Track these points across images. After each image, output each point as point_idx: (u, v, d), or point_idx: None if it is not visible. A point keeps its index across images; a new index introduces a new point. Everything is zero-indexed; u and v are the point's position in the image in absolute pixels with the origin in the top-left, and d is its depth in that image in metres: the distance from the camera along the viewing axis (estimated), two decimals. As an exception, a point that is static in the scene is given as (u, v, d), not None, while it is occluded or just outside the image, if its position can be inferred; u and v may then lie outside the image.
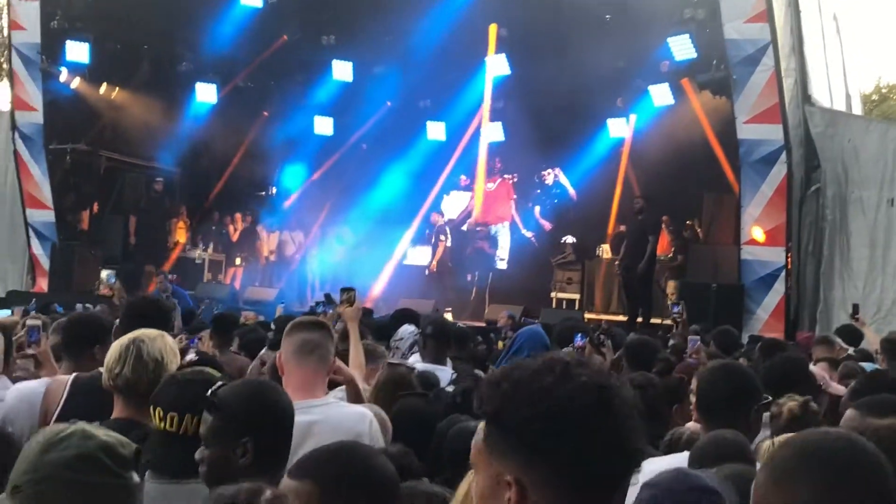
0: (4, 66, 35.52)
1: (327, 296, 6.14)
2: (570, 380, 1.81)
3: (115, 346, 4.02)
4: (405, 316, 8.52)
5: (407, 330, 7.57)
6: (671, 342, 8.88)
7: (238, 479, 2.69)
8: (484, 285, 20.54)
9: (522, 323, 13.06)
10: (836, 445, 1.94)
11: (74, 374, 4.66)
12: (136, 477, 2.67)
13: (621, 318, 17.05)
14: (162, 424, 3.36)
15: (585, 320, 15.23)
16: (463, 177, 22.68)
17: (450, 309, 18.36)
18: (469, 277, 21.02)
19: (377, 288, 20.69)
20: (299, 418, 3.53)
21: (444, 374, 6.33)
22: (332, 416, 4.07)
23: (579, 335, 7.54)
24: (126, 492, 2.63)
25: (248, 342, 8.20)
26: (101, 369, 4.55)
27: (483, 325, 15.23)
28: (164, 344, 4.03)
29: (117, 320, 5.06)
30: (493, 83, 20.63)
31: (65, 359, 5.35)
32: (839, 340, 9.80)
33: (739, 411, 4.06)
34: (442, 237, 20.95)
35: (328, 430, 3.85)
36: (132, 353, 3.92)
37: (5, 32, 21.68)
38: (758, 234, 15.34)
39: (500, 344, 11.06)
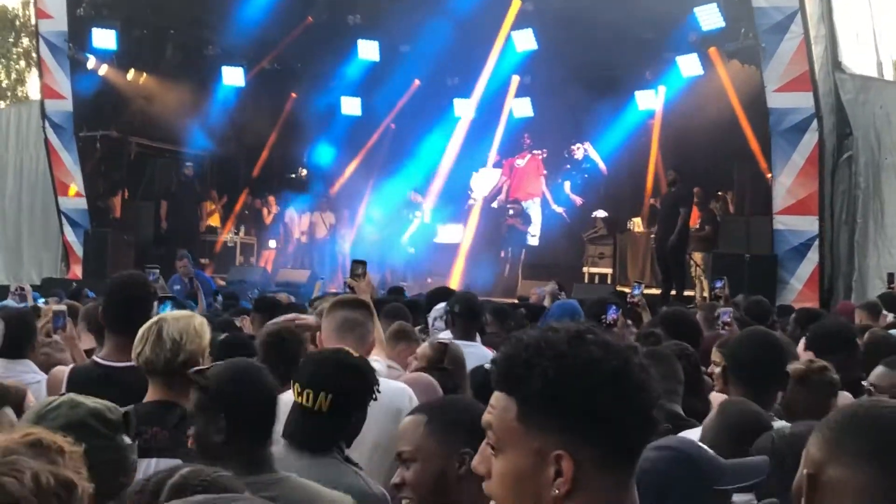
0: (33, 55, 35.81)
1: (354, 262, 6.06)
2: (593, 346, 1.81)
3: (143, 327, 4.05)
4: (441, 294, 8.53)
5: (439, 308, 7.58)
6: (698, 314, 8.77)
7: (216, 455, 2.91)
8: (517, 262, 20.52)
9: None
10: (886, 411, 1.91)
11: (71, 366, 4.71)
12: (126, 439, 2.81)
13: (655, 291, 16.95)
14: (299, 399, 3.50)
15: (619, 294, 15.17)
16: (492, 153, 22.64)
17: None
18: (502, 254, 21.02)
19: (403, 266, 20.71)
20: None
21: (472, 350, 6.28)
22: None
23: (612, 307, 7.46)
24: (118, 453, 2.76)
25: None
26: (96, 357, 4.61)
27: (516, 301, 15.16)
28: (187, 325, 4.02)
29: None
30: (520, 58, 20.49)
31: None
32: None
33: (768, 379, 4.06)
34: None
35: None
36: (153, 332, 3.95)
37: (33, 21, 21.74)
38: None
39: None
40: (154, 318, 4.10)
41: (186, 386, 3.53)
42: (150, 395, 3.98)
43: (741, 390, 4.06)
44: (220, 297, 13.44)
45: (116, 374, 4.44)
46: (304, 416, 3.47)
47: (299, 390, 3.48)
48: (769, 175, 15.88)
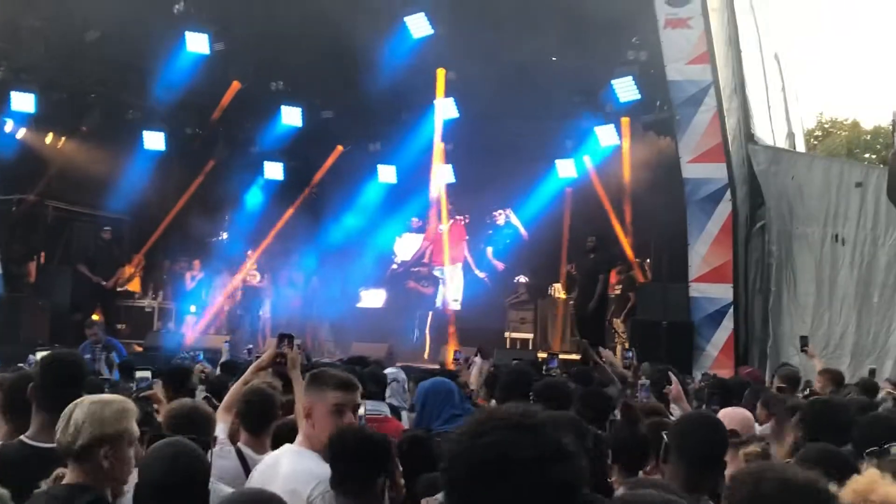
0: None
1: (280, 335, 6.11)
2: None
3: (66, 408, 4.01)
4: (356, 362, 8.52)
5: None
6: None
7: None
8: (423, 325, 20.60)
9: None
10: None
11: (1, 444, 4.62)
12: None
13: (575, 356, 17.10)
14: None
15: (539, 359, 15.27)
16: (415, 219, 22.79)
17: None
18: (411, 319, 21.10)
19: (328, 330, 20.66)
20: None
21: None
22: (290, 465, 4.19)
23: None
24: None
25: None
26: (23, 437, 4.52)
27: (437, 367, 15.16)
28: (99, 409, 3.94)
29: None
30: (442, 126, 20.69)
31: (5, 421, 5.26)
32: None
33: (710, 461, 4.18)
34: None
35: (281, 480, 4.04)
36: (66, 414, 3.92)
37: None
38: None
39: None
40: (77, 400, 4.04)
41: (100, 470, 3.54)
42: (67, 478, 3.92)
43: (680, 469, 4.14)
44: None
45: (46, 454, 4.35)
46: None
47: None
48: (634, 259, 16.22)
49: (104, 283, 19.30)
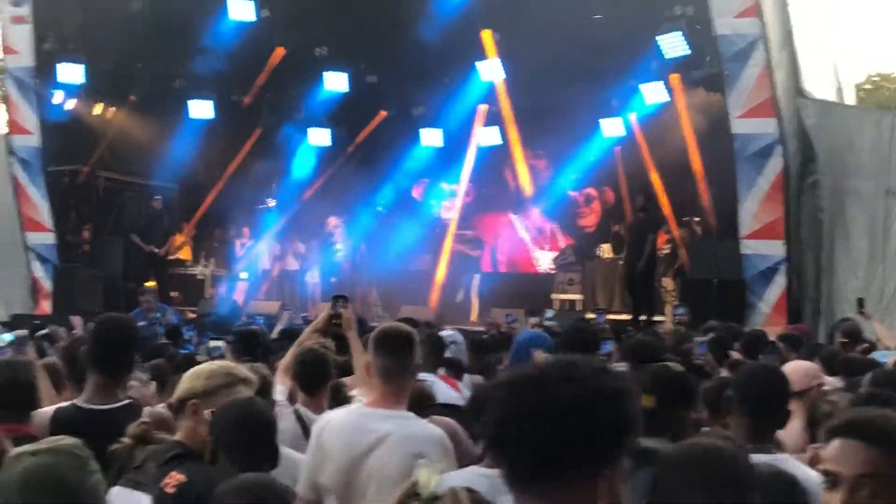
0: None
1: (335, 297, 6.20)
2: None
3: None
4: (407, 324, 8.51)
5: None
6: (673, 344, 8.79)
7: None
8: (469, 288, 20.64)
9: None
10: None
11: (56, 407, 4.68)
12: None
13: (625, 317, 17.08)
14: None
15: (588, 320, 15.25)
16: (458, 184, 22.84)
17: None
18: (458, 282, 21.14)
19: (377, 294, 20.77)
20: (375, 425, 4.09)
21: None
22: (405, 428, 4.16)
23: (606, 343, 7.44)
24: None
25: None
26: (76, 401, 4.60)
27: (483, 329, 15.19)
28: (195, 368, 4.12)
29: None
30: (486, 88, 20.63)
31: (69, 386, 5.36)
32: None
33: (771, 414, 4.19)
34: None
35: (397, 444, 4.08)
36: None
37: (-1, 56, 21.72)
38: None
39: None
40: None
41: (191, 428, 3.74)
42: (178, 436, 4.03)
43: (743, 422, 4.16)
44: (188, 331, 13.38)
45: (100, 416, 4.48)
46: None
47: None
48: (708, 206, 16.06)
49: (156, 250, 19.50)
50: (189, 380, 3.95)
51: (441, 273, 21.60)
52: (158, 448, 3.79)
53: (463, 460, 4.34)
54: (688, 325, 10.86)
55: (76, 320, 10.87)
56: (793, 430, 4.58)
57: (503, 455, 1.88)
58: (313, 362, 5.35)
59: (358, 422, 4.18)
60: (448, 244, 22.18)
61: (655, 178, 19.15)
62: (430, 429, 4.30)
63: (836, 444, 2.32)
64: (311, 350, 5.46)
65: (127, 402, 4.65)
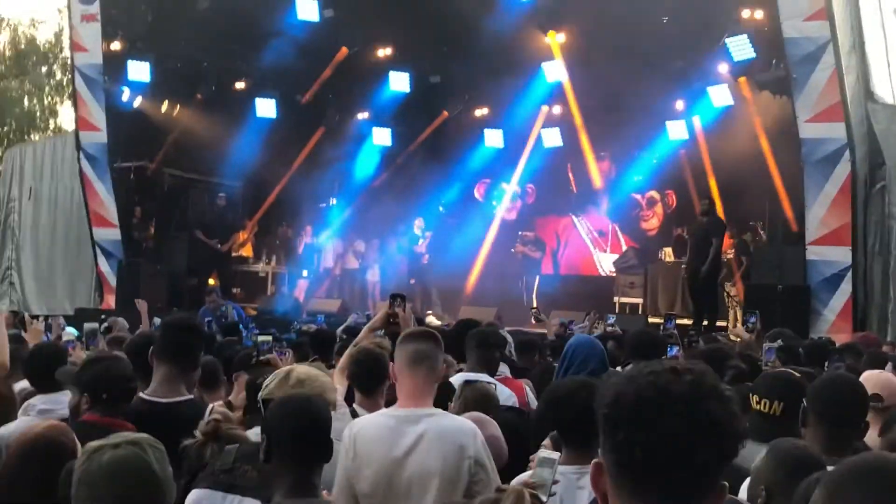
0: (66, 87, 36.29)
1: (392, 296, 6.22)
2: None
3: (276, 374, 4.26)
4: (465, 325, 8.43)
5: None
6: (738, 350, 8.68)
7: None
8: (530, 290, 20.56)
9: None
10: (890, 464, 1.94)
11: None
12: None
13: (686, 321, 16.91)
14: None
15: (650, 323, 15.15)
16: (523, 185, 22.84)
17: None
18: (520, 283, 21.07)
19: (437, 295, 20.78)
20: (409, 427, 4.16)
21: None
22: (439, 426, 4.25)
23: (674, 348, 7.37)
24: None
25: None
26: (144, 395, 4.74)
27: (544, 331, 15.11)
28: (316, 373, 4.26)
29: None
30: (549, 89, 20.56)
31: None
32: None
33: (848, 423, 4.17)
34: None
35: (434, 441, 4.17)
36: (281, 374, 4.18)
37: (66, 54, 22.08)
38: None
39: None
40: (287, 368, 4.28)
41: None
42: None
43: (820, 431, 4.11)
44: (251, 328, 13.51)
45: (161, 409, 4.64)
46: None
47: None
48: (789, 209, 15.82)
49: (220, 247, 19.68)
50: (279, 384, 4.07)
51: (477, 267, 21.59)
52: (246, 450, 3.81)
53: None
54: (759, 333, 10.70)
55: (142, 305, 10.97)
56: (870, 440, 4.50)
57: (651, 473, 1.84)
58: (368, 362, 5.36)
59: (391, 425, 4.25)
60: (488, 241, 22.19)
61: (720, 182, 18.94)
62: (461, 422, 4.39)
63: None
64: (367, 350, 5.47)
65: (189, 397, 4.76)
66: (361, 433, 4.25)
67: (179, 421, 4.33)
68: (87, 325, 9.22)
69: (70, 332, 10.60)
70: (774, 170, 17.25)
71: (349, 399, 5.39)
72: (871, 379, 5.19)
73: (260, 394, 4.12)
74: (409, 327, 5.83)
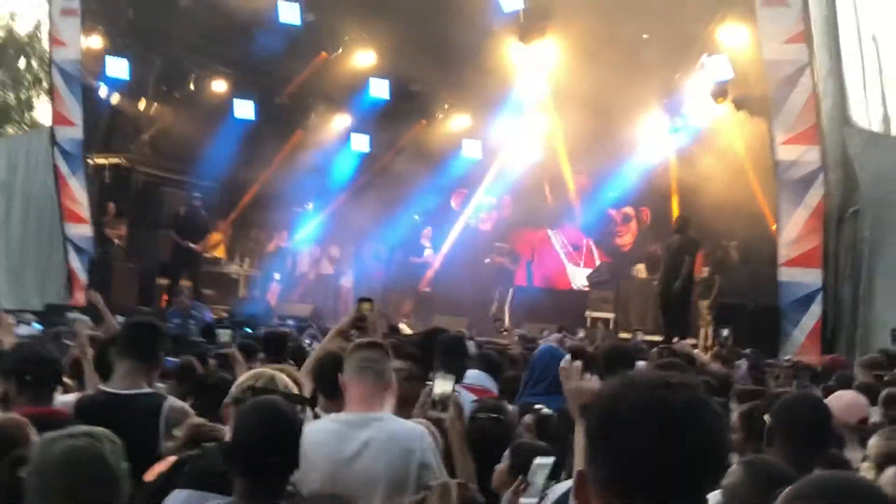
0: (42, 80, 36.04)
1: (360, 299, 6.18)
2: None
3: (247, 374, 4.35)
4: (432, 333, 8.37)
5: None
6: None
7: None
8: (503, 302, 20.54)
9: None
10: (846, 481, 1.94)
11: (79, 396, 4.99)
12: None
13: (657, 337, 16.92)
14: None
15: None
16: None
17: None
18: (492, 295, 21.02)
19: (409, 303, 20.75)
20: (356, 433, 4.21)
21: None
22: (386, 430, 4.30)
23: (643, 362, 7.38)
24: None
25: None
26: (104, 387, 4.75)
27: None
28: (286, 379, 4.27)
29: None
30: (529, 101, 20.57)
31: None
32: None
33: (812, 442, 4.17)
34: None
35: (381, 445, 4.23)
36: (265, 374, 4.21)
37: (45, 47, 21.95)
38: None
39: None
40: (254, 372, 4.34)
41: None
42: None
43: (783, 451, 4.09)
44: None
45: (122, 401, 4.71)
46: None
47: None
48: (773, 226, 15.89)
49: (193, 247, 19.52)
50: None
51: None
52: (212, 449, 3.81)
53: None
54: (730, 349, 10.76)
55: (95, 296, 10.76)
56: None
57: (646, 485, 1.83)
58: (333, 365, 5.33)
59: (338, 430, 4.33)
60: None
61: (695, 200, 18.98)
62: (410, 426, 4.43)
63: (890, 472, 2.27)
64: (331, 353, 5.44)
65: (150, 390, 4.78)
66: (308, 437, 4.20)
67: (138, 412, 4.48)
68: (72, 315, 9.21)
69: (36, 328, 10.51)
70: (755, 189, 17.30)
71: (312, 403, 5.36)
72: (838, 398, 5.23)
73: (231, 392, 4.12)
74: (377, 331, 5.83)
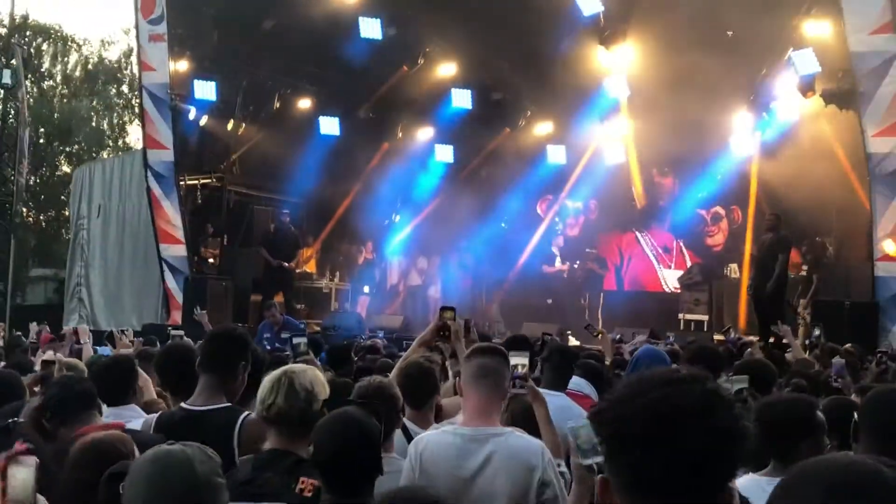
0: (134, 105, 36.95)
1: (442, 308, 6.19)
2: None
3: (267, 380, 4.21)
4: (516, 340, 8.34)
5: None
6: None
7: None
8: (595, 307, 20.41)
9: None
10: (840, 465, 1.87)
11: (159, 413, 4.97)
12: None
13: (753, 338, 16.65)
14: None
15: (715, 342, 14.94)
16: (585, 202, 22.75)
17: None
18: (582, 301, 20.92)
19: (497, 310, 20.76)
20: (477, 447, 4.16)
21: (557, 400, 6.22)
22: (507, 446, 4.23)
23: None
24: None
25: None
26: (184, 404, 4.77)
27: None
28: (314, 375, 4.22)
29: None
30: (612, 105, 20.44)
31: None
32: None
33: None
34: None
35: (503, 462, 4.16)
36: (284, 384, 4.10)
37: (135, 72, 22.47)
38: (890, 247, 14.84)
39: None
40: (279, 371, 4.25)
41: (305, 435, 3.78)
42: (271, 444, 4.11)
43: (874, 449, 3.97)
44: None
45: (196, 417, 4.73)
46: None
47: None
48: (870, 220, 15.53)
49: (285, 264, 19.74)
50: (323, 390, 4.14)
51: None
52: (262, 457, 3.86)
53: None
54: (823, 347, 10.55)
55: (202, 315, 10.91)
56: None
57: (667, 489, 1.83)
58: (418, 376, 5.35)
59: (458, 444, 4.24)
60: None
61: (787, 198, 18.65)
62: (529, 440, 4.34)
63: None
64: (416, 363, 5.46)
65: (225, 405, 4.80)
66: (427, 450, 4.25)
67: (211, 427, 4.44)
68: (174, 332, 9.46)
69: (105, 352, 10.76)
70: (851, 184, 16.92)
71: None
72: None
73: (265, 410, 4.12)
74: (459, 340, 5.84)
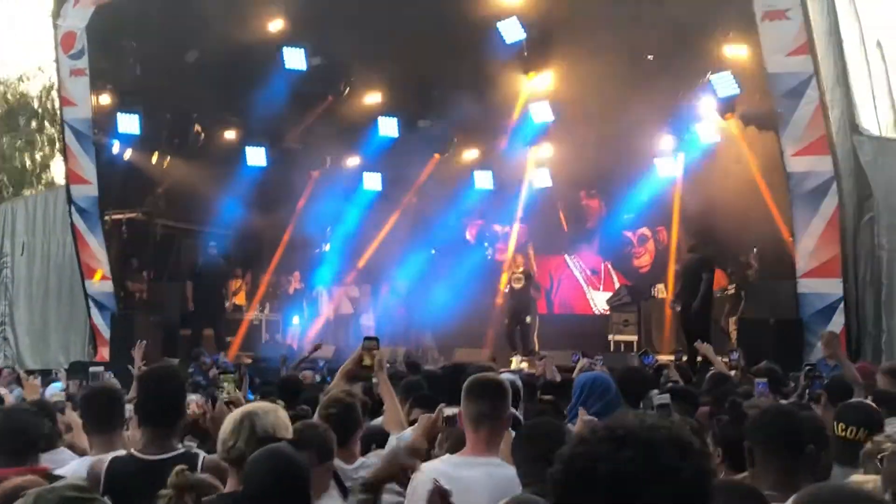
0: (57, 141, 36.37)
1: (365, 338, 6.22)
2: None
3: (229, 420, 4.19)
4: (454, 369, 8.33)
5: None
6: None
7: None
8: (532, 329, 20.47)
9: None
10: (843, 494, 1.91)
11: (112, 456, 4.79)
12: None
13: (669, 359, 16.84)
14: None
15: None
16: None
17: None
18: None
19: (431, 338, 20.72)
20: (463, 472, 4.20)
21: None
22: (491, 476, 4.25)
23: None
24: None
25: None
26: (133, 450, 4.70)
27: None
28: (275, 418, 4.18)
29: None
30: (537, 129, 20.61)
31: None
32: None
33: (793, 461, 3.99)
34: None
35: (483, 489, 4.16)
36: (246, 427, 4.07)
37: (56, 107, 22.20)
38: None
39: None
40: (240, 412, 4.22)
41: None
42: (231, 486, 4.05)
43: (770, 470, 3.93)
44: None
45: (154, 467, 4.54)
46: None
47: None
48: (790, 239, 15.83)
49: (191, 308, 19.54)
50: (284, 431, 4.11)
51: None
52: (218, 499, 3.81)
53: None
54: (742, 370, 10.72)
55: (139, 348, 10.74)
56: None
57: None
58: (338, 412, 5.32)
59: (446, 471, 4.22)
60: (503, 285, 22.05)
61: (710, 218, 18.96)
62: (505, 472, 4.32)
63: None
64: (336, 399, 5.42)
65: (182, 451, 4.73)
66: (420, 477, 4.23)
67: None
68: (93, 369, 9.30)
69: (55, 387, 10.56)
70: (769, 204, 17.24)
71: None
72: None
73: (226, 452, 4.09)
74: (382, 370, 5.86)
